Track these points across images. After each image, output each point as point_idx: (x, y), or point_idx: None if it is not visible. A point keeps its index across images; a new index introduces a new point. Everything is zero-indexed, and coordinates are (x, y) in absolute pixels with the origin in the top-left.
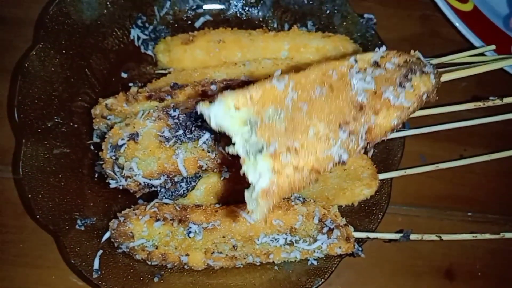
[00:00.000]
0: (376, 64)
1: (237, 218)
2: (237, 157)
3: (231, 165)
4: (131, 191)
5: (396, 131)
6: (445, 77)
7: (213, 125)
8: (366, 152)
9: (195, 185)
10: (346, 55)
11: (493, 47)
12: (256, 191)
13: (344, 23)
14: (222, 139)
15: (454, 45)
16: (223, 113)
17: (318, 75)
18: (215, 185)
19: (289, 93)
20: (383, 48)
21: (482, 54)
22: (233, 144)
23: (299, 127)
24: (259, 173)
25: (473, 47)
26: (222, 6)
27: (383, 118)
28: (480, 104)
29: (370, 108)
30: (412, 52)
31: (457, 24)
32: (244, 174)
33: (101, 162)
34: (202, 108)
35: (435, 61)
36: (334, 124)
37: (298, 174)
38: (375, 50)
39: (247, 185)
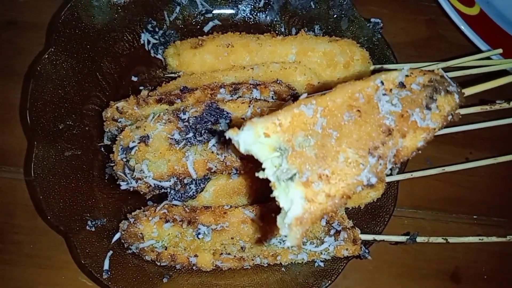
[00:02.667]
0: (402, 85)
1: (246, 220)
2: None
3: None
4: (141, 192)
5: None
6: (467, 92)
7: (242, 150)
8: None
9: (204, 187)
10: (362, 74)
11: (500, 50)
12: (290, 218)
13: (351, 27)
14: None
15: (460, 49)
16: (252, 140)
17: (345, 99)
18: (224, 187)
19: (318, 120)
20: (407, 66)
21: (488, 58)
22: (263, 170)
23: (329, 153)
24: (290, 199)
25: (479, 51)
26: (230, 11)
27: (409, 140)
28: (487, 108)
29: (397, 132)
30: (436, 70)
31: (463, 28)
32: (274, 198)
33: (112, 164)
34: (231, 134)
35: (441, 65)
36: (363, 149)
37: (330, 201)
38: (395, 66)
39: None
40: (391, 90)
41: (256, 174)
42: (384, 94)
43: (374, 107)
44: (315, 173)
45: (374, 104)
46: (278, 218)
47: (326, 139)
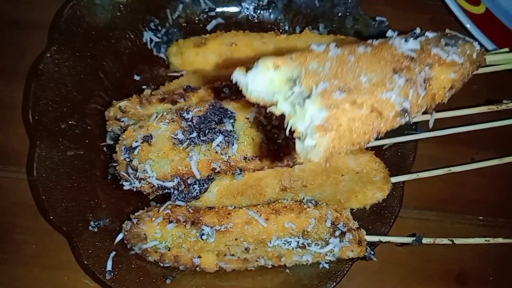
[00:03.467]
0: (416, 35)
1: (250, 221)
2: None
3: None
4: (145, 193)
5: (408, 135)
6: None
7: (251, 93)
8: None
9: (207, 187)
10: None
11: (506, 50)
12: (310, 128)
13: (356, 26)
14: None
15: None
16: (261, 76)
17: (357, 43)
18: (227, 187)
19: (331, 50)
20: (417, 29)
21: None
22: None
23: (349, 72)
24: (310, 118)
25: (485, 50)
26: (234, 9)
27: (438, 72)
28: (493, 108)
29: (421, 60)
30: (447, 30)
31: (468, 27)
32: (291, 132)
33: (115, 164)
34: (238, 75)
35: None
36: (387, 70)
37: (357, 109)
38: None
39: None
40: (405, 39)
41: (269, 109)
42: (399, 38)
43: (391, 46)
44: (335, 86)
45: (389, 45)
46: (297, 142)
47: (343, 63)
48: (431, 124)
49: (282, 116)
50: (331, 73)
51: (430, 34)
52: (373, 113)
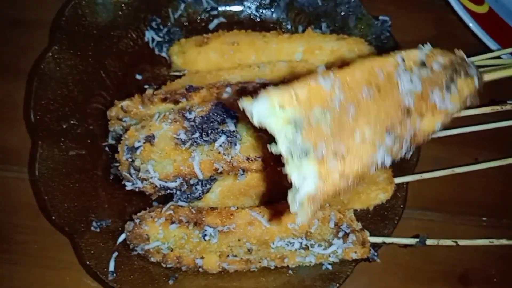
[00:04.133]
0: (423, 64)
1: (253, 222)
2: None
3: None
4: (147, 193)
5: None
6: (486, 78)
7: (255, 122)
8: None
9: (210, 188)
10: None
11: (510, 50)
12: (301, 195)
13: (359, 25)
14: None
15: (469, 47)
16: (267, 111)
17: (364, 74)
18: (230, 187)
19: (336, 94)
20: (428, 46)
21: (498, 57)
22: (275, 143)
23: (346, 130)
24: (303, 176)
25: (488, 49)
26: (236, 8)
27: (427, 123)
28: (498, 108)
29: (416, 112)
30: (456, 51)
31: (472, 26)
32: (285, 173)
33: (117, 164)
34: (245, 104)
35: None
36: (380, 128)
37: (344, 180)
38: (418, 47)
39: (288, 184)
40: (411, 68)
41: (269, 147)
42: (404, 71)
43: (394, 85)
44: (330, 151)
45: (394, 82)
46: (289, 193)
47: (343, 115)
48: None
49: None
50: (329, 132)
51: (436, 65)
52: (356, 178)
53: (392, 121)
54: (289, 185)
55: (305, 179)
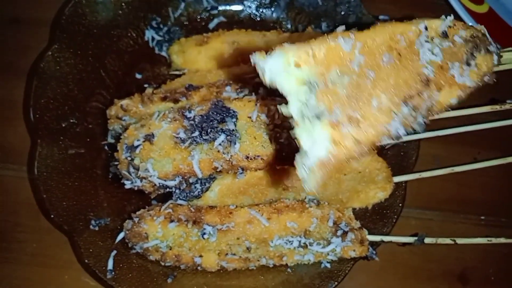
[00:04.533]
0: (445, 35)
1: (252, 220)
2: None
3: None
4: (146, 192)
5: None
6: (505, 56)
7: (267, 80)
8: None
9: (209, 187)
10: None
11: (510, 49)
12: (312, 160)
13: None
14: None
15: None
16: (281, 69)
17: (385, 38)
18: (229, 186)
19: (356, 57)
20: (451, 17)
21: None
22: (286, 104)
23: (362, 96)
24: (314, 139)
25: None
26: (236, 8)
27: (444, 96)
28: (497, 108)
29: (435, 84)
30: (478, 26)
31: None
32: (294, 137)
33: (116, 163)
34: (258, 59)
35: None
36: (398, 97)
37: (357, 147)
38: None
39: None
40: (433, 38)
41: (278, 107)
42: (426, 42)
43: (415, 53)
44: (345, 115)
45: (415, 50)
46: (297, 157)
47: (361, 79)
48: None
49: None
50: (347, 94)
51: (458, 38)
52: (368, 146)
53: (411, 91)
54: (292, 184)
55: (316, 143)
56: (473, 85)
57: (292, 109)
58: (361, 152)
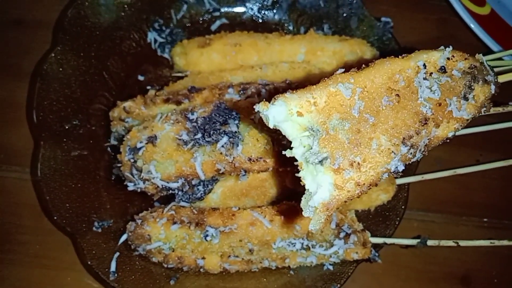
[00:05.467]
0: (443, 70)
1: (255, 222)
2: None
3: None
4: (149, 193)
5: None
6: (501, 79)
7: (271, 125)
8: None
9: (212, 188)
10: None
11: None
12: (316, 202)
13: (361, 27)
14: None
15: (471, 49)
16: (284, 117)
17: (384, 79)
18: (232, 188)
19: (356, 103)
20: (449, 48)
21: (500, 59)
22: (290, 148)
23: (363, 140)
24: (318, 183)
25: (490, 51)
26: (238, 9)
27: (442, 130)
28: (499, 110)
29: (433, 121)
30: (477, 55)
31: (473, 28)
32: (298, 177)
33: (119, 165)
34: (261, 108)
35: None
36: (397, 137)
37: (358, 188)
38: (440, 48)
39: (294, 184)
40: (431, 74)
41: (283, 152)
42: (424, 79)
43: (413, 92)
44: (347, 160)
45: (414, 89)
46: (303, 199)
47: (361, 124)
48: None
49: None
50: (346, 141)
51: (457, 72)
52: (369, 187)
53: (409, 131)
54: (295, 186)
55: (320, 187)
56: (470, 117)
57: (296, 153)
58: (362, 192)
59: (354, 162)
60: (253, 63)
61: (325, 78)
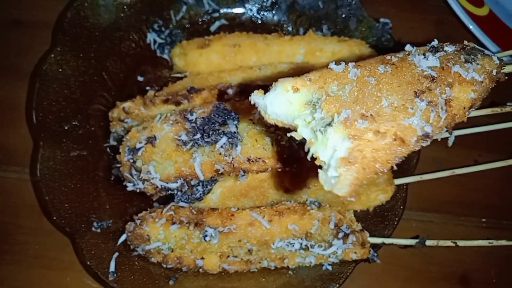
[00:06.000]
0: (435, 48)
1: (254, 223)
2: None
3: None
4: (148, 194)
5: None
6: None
7: (270, 114)
8: (448, 137)
9: (211, 189)
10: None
11: (511, 52)
12: (335, 162)
13: (360, 27)
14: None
15: None
16: (280, 98)
17: (377, 60)
18: (231, 188)
19: (350, 70)
20: (435, 41)
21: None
22: (295, 131)
23: (370, 97)
24: (332, 147)
25: None
26: (237, 10)
27: (459, 92)
28: (497, 110)
29: (442, 80)
30: (465, 42)
31: (472, 29)
32: (312, 159)
33: (118, 165)
34: (257, 97)
35: None
36: (408, 93)
37: (381, 139)
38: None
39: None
40: (424, 53)
41: (289, 134)
42: (418, 55)
43: (410, 64)
44: (356, 113)
45: (409, 62)
46: (320, 173)
47: (363, 84)
48: (450, 143)
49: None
50: (352, 98)
51: (449, 48)
52: (396, 141)
53: (419, 86)
54: (293, 187)
55: (335, 149)
56: (483, 79)
57: (302, 131)
58: (389, 147)
59: (366, 114)
60: (252, 63)
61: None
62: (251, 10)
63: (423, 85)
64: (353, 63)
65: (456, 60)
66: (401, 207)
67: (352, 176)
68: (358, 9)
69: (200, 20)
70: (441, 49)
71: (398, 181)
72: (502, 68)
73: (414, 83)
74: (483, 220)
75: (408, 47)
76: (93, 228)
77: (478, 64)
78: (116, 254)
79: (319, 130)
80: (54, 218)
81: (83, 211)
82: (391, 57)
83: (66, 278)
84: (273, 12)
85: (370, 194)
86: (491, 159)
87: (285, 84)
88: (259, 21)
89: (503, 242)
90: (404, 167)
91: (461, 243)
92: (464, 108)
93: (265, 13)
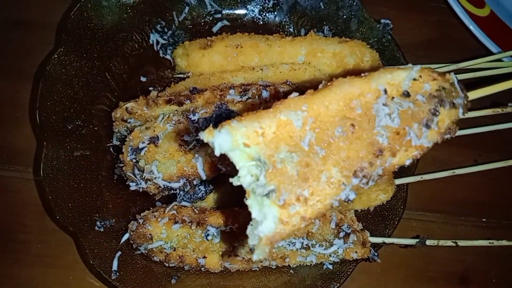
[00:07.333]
0: (406, 94)
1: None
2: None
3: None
4: (151, 193)
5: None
6: (472, 95)
7: (217, 153)
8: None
9: (213, 188)
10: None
11: (511, 53)
12: (261, 233)
13: (361, 28)
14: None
15: (470, 50)
16: (229, 147)
17: (340, 106)
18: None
19: (306, 134)
20: (417, 67)
21: (499, 60)
22: (238, 176)
23: (312, 173)
24: (264, 214)
25: (489, 52)
26: (239, 11)
27: (398, 159)
28: (498, 110)
29: (388, 151)
30: (447, 75)
31: (473, 29)
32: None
33: (121, 165)
34: (206, 137)
35: (452, 67)
36: (349, 170)
37: (303, 222)
38: (407, 66)
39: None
40: (393, 98)
41: (230, 180)
42: (384, 105)
43: (371, 120)
44: (294, 194)
45: (371, 116)
46: (249, 227)
47: (311, 157)
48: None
49: None
50: (295, 172)
51: (427, 87)
52: (316, 218)
53: (362, 163)
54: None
55: (266, 218)
56: (430, 145)
57: (243, 181)
58: (307, 225)
59: (301, 196)
60: (254, 64)
61: (277, 103)
62: (253, 11)
63: (368, 159)
64: (312, 119)
65: (418, 117)
66: (402, 207)
67: (269, 249)
68: (359, 10)
69: (202, 21)
70: (413, 95)
71: (399, 181)
72: (464, 114)
73: (359, 158)
74: (483, 220)
75: (381, 88)
76: (96, 227)
77: (437, 123)
78: (119, 253)
79: (258, 193)
80: (57, 217)
81: (86, 210)
82: (356, 104)
83: (69, 277)
84: (275, 13)
85: (371, 194)
86: (491, 159)
87: (236, 136)
88: (261, 22)
89: (503, 242)
90: (404, 167)
91: (461, 243)
92: (394, 168)
93: (267, 14)
